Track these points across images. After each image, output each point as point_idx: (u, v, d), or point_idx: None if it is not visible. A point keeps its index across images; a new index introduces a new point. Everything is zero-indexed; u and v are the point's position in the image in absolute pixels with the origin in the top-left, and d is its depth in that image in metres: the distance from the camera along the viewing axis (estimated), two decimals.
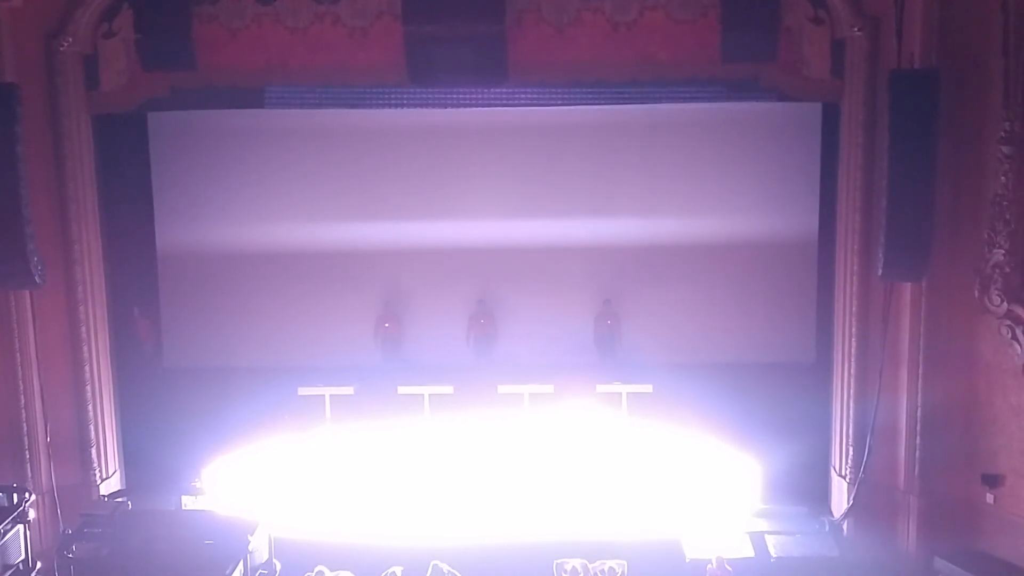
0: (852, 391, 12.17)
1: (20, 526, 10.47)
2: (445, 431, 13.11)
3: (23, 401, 11.99)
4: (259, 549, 10.58)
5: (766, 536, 12.00)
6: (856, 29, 11.60)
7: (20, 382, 11.95)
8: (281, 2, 11.90)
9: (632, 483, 12.38)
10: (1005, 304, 11.14)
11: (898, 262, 11.27)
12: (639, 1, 11.76)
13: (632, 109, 12.59)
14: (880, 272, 11.45)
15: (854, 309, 12.07)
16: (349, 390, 13.32)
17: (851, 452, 12.21)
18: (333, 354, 13.66)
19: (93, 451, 12.51)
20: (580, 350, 13.55)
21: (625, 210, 13.38)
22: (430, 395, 13.24)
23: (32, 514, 10.71)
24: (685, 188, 13.28)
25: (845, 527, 12.24)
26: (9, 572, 10.26)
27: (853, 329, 12.10)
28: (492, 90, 12.18)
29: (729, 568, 11.01)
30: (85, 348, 12.37)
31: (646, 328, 13.45)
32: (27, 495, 10.72)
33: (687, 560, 11.51)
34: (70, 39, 11.85)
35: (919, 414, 11.77)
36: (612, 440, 12.96)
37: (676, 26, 11.76)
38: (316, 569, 11.23)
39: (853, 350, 12.12)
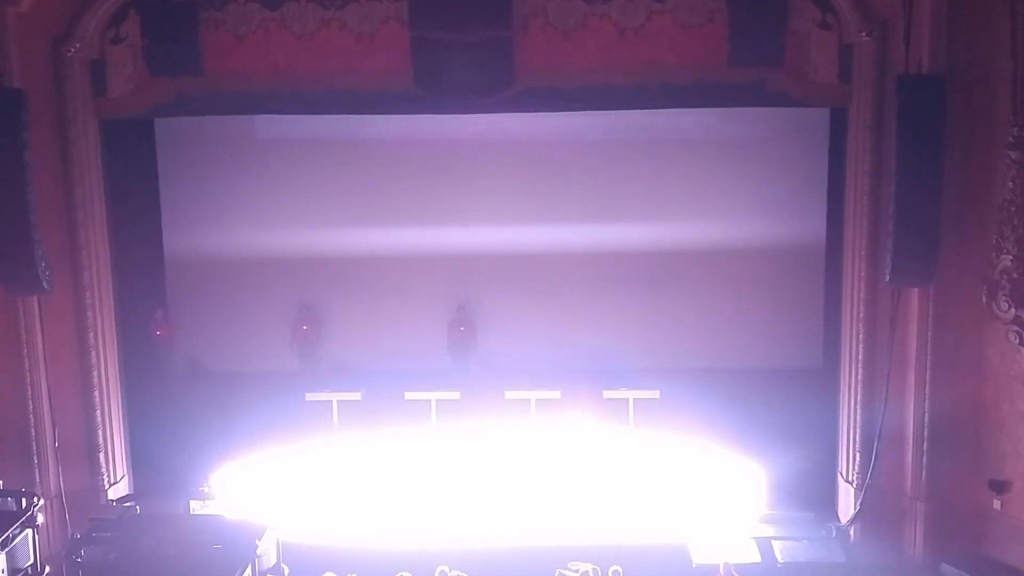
0: (859, 396, 12.14)
1: (29, 530, 10.43)
2: (452, 436, 13.11)
3: (31, 406, 12.02)
4: (267, 554, 10.58)
5: (773, 542, 11.98)
6: (864, 34, 11.57)
7: (28, 387, 11.98)
8: (288, 8, 11.91)
9: (639, 488, 12.37)
10: (1013, 310, 11.11)
11: (906, 268, 11.25)
12: (646, 6, 11.77)
13: (638, 114, 12.56)
14: (888, 278, 11.42)
15: (861, 314, 12.04)
16: (356, 396, 13.34)
17: (858, 458, 12.18)
18: (340, 359, 13.67)
19: (101, 456, 12.55)
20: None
21: (631, 216, 13.35)
22: (437, 400, 13.22)
23: (40, 519, 10.66)
24: (692, 193, 13.27)
25: (852, 533, 12.20)
26: None
27: (860, 334, 12.07)
28: (498, 95, 12.16)
29: (736, 574, 11.01)
30: (93, 353, 12.40)
31: (654, 333, 13.42)
32: (35, 500, 10.70)
33: (694, 565, 11.50)
34: (77, 45, 11.87)
35: (926, 420, 11.74)
36: (619, 446, 12.95)
37: (683, 31, 11.76)
38: (324, 574, 11.25)
39: (860, 355, 12.09)
